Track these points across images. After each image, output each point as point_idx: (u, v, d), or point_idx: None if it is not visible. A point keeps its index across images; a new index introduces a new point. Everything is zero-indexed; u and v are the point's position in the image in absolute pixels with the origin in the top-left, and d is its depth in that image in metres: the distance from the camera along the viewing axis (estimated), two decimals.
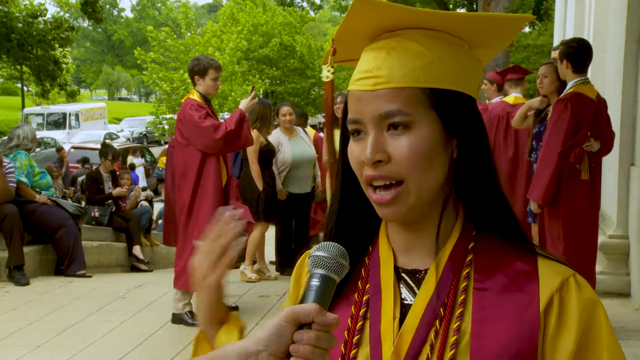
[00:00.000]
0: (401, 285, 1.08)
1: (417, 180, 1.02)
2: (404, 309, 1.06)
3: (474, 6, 21.42)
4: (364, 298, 1.09)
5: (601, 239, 5.38)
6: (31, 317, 5.73)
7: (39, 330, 5.39)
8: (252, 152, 6.82)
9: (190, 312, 5.45)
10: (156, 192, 16.60)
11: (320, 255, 0.94)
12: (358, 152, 1.04)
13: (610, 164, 5.42)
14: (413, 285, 1.07)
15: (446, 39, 1.05)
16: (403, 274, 1.09)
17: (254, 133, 6.88)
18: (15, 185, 7.13)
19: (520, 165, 6.50)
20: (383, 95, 1.02)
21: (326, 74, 1.13)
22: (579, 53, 4.81)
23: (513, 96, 6.92)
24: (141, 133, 35.38)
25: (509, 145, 6.73)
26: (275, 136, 7.24)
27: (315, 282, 0.92)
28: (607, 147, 4.91)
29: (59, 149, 17.76)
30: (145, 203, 12.29)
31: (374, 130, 1.02)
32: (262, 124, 6.88)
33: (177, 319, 5.45)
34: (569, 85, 4.85)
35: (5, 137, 8.27)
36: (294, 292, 1.20)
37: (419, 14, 1.03)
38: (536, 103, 5.55)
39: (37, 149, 16.66)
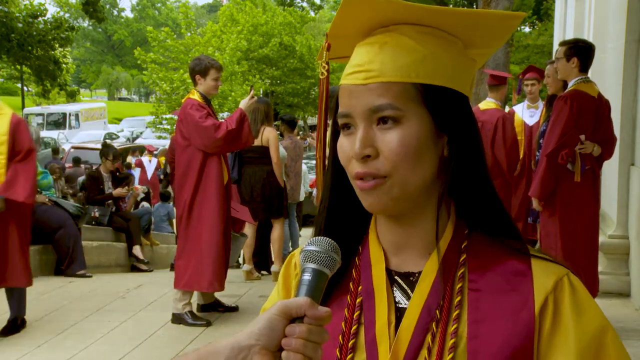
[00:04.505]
0: (394, 289, 1.07)
1: (403, 174, 1.01)
2: (399, 312, 1.05)
3: (474, 6, 21.40)
4: (357, 301, 1.07)
5: (601, 239, 5.38)
6: (31, 317, 5.72)
7: (39, 330, 5.39)
8: (275, 150, 6.84)
9: (190, 312, 5.45)
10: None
11: (312, 250, 0.94)
12: (347, 146, 1.04)
13: (610, 164, 5.43)
14: (407, 288, 1.06)
15: (440, 35, 1.04)
16: (396, 277, 1.08)
17: (272, 132, 6.92)
18: None
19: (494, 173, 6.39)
20: (374, 89, 1.01)
21: (321, 70, 1.13)
22: (588, 52, 4.83)
23: (485, 101, 6.74)
24: (141, 133, 35.33)
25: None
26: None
27: (307, 277, 0.92)
28: (608, 152, 4.91)
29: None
30: (146, 204, 12.31)
31: (363, 125, 1.02)
32: (268, 120, 6.93)
33: (177, 319, 5.45)
34: (570, 84, 4.86)
35: None
36: (283, 292, 1.18)
37: (412, 9, 1.02)
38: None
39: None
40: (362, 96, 1.02)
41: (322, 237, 0.96)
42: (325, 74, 1.13)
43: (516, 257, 1.04)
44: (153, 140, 26.12)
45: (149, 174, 15.29)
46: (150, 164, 15.53)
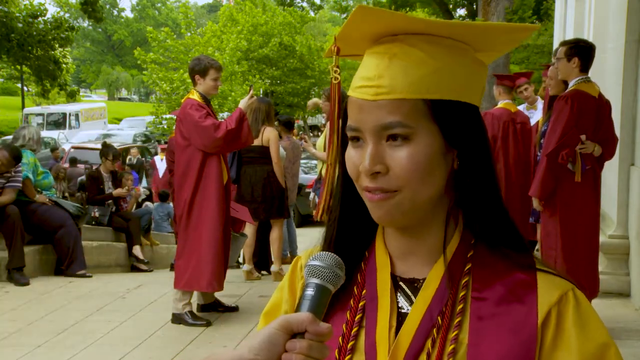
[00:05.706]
0: (398, 294, 1.07)
1: (414, 190, 1.00)
2: (401, 317, 1.05)
3: (474, 6, 21.40)
4: (360, 304, 1.07)
5: (601, 239, 5.37)
6: (31, 317, 5.72)
7: (39, 330, 5.39)
8: (275, 150, 6.84)
9: (190, 312, 5.45)
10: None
11: (316, 265, 0.94)
12: (356, 159, 1.03)
13: (610, 164, 5.42)
14: (411, 294, 1.06)
15: (449, 44, 1.02)
16: (401, 283, 1.08)
17: (273, 132, 6.93)
18: (20, 185, 7.13)
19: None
20: (384, 106, 0.99)
21: (333, 75, 1.09)
22: (589, 52, 4.83)
23: (507, 103, 6.76)
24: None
25: (526, 150, 6.58)
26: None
27: (310, 292, 0.92)
28: (609, 153, 4.90)
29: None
30: (149, 204, 12.31)
31: (373, 140, 1.00)
32: (269, 120, 6.94)
33: (177, 319, 5.44)
34: (571, 84, 4.86)
35: (5, 137, 8.31)
36: (289, 296, 1.17)
37: (421, 23, 1.01)
38: None
39: None
40: (372, 112, 1.00)
41: (327, 252, 0.96)
42: (338, 78, 1.09)
43: (522, 269, 1.04)
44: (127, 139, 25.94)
45: (160, 173, 15.25)
46: (161, 163, 15.49)
